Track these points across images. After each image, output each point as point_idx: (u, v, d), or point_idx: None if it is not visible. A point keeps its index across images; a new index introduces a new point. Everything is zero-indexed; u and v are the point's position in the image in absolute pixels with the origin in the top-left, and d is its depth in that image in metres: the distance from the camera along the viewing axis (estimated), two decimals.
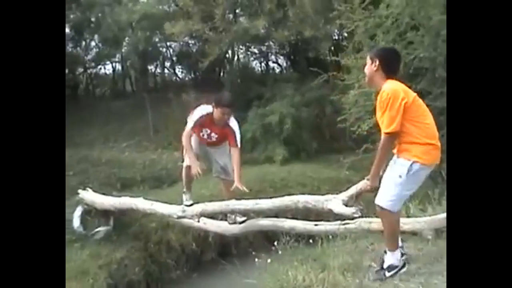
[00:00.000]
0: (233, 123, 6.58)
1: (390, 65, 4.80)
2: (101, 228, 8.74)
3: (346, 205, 5.70)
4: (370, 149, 9.96)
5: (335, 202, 5.86)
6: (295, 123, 12.82)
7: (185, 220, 7.90)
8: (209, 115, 6.45)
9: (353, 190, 5.60)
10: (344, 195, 5.71)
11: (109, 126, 15.83)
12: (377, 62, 4.71)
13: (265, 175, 10.85)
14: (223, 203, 7.15)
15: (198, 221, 7.40)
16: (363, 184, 5.29)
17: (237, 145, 6.69)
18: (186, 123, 6.56)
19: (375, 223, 6.34)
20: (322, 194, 9.81)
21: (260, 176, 10.80)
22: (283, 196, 7.00)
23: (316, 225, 6.79)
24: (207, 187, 10.45)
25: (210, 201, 9.14)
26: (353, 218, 5.88)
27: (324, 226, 6.66)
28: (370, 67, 4.82)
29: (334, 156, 12.24)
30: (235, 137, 6.60)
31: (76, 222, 8.71)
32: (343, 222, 6.62)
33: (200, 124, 6.54)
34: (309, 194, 9.96)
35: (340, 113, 11.27)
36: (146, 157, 13.16)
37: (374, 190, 4.81)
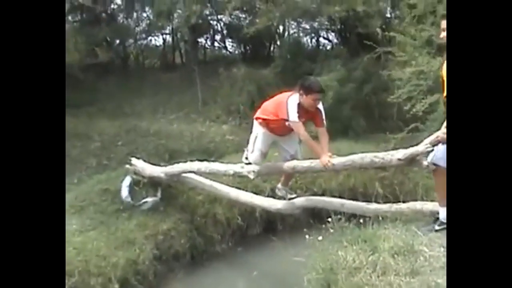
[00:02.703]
0: (319, 105, 6.50)
1: None
2: (149, 199, 8.81)
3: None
4: (420, 129, 9.79)
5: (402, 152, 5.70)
6: (339, 99, 12.64)
7: (232, 194, 7.95)
8: (300, 106, 6.40)
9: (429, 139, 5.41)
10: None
11: (158, 98, 15.88)
12: None
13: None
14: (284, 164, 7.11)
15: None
16: (440, 132, 5.23)
17: (323, 125, 6.64)
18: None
19: (426, 205, 6.25)
20: (371, 174, 9.89)
21: (308, 152, 10.68)
22: None
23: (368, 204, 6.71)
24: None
25: (256, 177, 9.27)
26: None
27: (375, 206, 6.57)
28: None
29: (383, 136, 12.03)
30: (321, 117, 6.56)
31: (124, 192, 8.79)
32: (394, 206, 6.55)
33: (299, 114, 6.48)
34: (357, 173, 10.00)
35: (389, 91, 11.09)
36: (194, 129, 13.19)
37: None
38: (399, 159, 5.65)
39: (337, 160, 6.36)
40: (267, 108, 6.94)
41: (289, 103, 6.41)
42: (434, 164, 5.18)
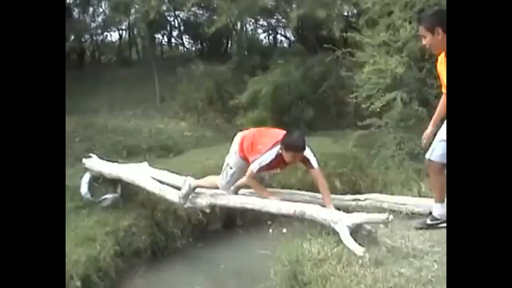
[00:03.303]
0: (306, 152, 6.36)
1: None
2: (109, 195, 8.76)
3: None
4: (379, 126, 9.98)
5: None
6: (293, 95, 12.81)
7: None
8: (279, 156, 6.24)
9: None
10: None
11: (115, 94, 15.74)
12: (440, 31, 4.66)
13: None
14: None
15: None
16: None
17: (314, 167, 6.45)
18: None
19: (386, 202, 6.39)
20: (329, 170, 10.02)
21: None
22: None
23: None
24: (213, 158, 10.44)
25: (215, 172, 9.27)
26: None
27: (337, 201, 6.66)
28: (434, 38, 4.77)
29: (340, 132, 12.21)
30: (310, 162, 6.41)
31: (83, 189, 8.72)
32: (354, 198, 6.66)
33: (269, 167, 6.43)
34: None
35: (346, 89, 11.28)
36: (152, 125, 13.11)
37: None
38: None
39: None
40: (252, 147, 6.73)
41: (266, 153, 6.29)
42: (431, 161, 5.24)
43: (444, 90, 5.08)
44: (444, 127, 5.10)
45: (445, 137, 4.90)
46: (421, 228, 5.53)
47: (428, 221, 5.51)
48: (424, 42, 4.97)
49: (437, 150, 5.10)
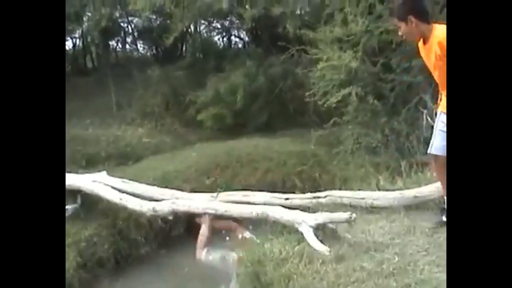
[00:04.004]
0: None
1: (424, 9, 4.80)
2: (69, 207, 8.61)
3: None
4: (338, 123, 10.06)
5: None
6: (250, 95, 12.83)
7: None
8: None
9: None
10: None
11: (71, 103, 15.43)
12: (413, 18, 4.68)
13: (231, 150, 10.82)
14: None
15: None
16: None
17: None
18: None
19: (346, 197, 6.44)
20: (289, 169, 10.08)
21: (226, 151, 10.78)
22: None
23: (287, 199, 6.81)
24: (173, 163, 10.43)
25: (175, 177, 9.23)
26: None
27: (296, 200, 6.70)
28: (408, 27, 4.78)
29: (299, 131, 12.28)
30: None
31: None
32: (314, 195, 6.70)
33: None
34: (275, 168, 10.18)
35: (304, 87, 11.34)
36: (110, 133, 12.95)
37: None
38: None
39: None
40: None
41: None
42: (434, 155, 5.11)
43: (434, 74, 4.98)
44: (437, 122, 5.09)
45: (443, 128, 4.86)
46: (437, 227, 5.29)
47: (444, 218, 5.26)
48: (400, 33, 4.99)
49: (439, 142, 4.98)
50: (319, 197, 6.61)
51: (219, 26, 18.12)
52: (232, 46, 19.04)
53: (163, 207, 7.20)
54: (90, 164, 10.88)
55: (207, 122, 12.79)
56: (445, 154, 4.66)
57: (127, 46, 20.64)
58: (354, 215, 5.29)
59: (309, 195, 6.83)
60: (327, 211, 5.92)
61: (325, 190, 7.01)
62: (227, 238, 6.54)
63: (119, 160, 11.50)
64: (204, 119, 12.76)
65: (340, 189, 7.39)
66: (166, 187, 8.51)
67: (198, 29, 17.89)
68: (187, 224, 9.15)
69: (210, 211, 6.75)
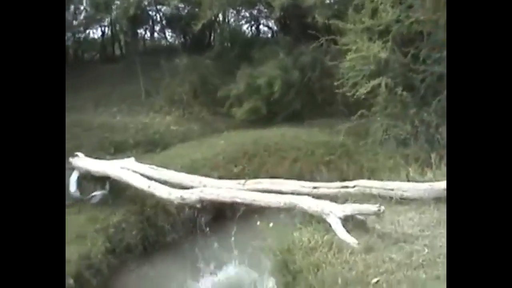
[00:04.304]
0: None
1: None
2: (97, 193, 8.75)
3: None
4: (366, 114, 9.99)
5: None
6: (284, 86, 12.76)
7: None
8: None
9: None
10: None
11: (99, 91, 15.62)
12: None
13: (259, 139, 10.84)
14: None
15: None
16: None
17: None
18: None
19: (375, 188, 6.39)
20: (316, 158, 10.06)
21: (254, 139, 10.80)
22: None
23: (315, 187, 6.78)
24: (201, 151, 10.46)
25: (203, 164, 9.24)
26: None
27: (324, 189, 6.67)
28: None
29: (327, 121, 12.24)
30: None
31: (72, 187, 8.70)
32: (342, 185, 6.67)
33: None
34: (303, 157, 10.17)
35: (333, 77, 11.28)
36: (138, 121, 13.03)
37: None
38: None
39: None
40: None
41: None
42: None
43: None
44: None
45: None
46: None
47: None
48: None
49: None
50: (347, 187, 6.58)
51: (247, 15, 18.06)
52: (261, 35, 18.98)
53: (191, 195, 7.22)
54: (118, 151, 10.95)
55: (242, 115, 12.71)
56: None
57: (155, 35, 20.70)
58: (382, 207, 5.26)
59: (337, 184, 6.81)
60: (355, 201, 5.91)
61: (353, 180, 6.97)
62: (258, 222, 6.50)
63: (147, 148, 11.57)
64: (240, 113, 12.67)
65: (368, 179, 7.33)
66: (194, 174, 8.53)
67: (226, 18, 17.85)
68: (214, 212, 9.21)
69: (238, 200, 6.74)
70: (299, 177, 8.98)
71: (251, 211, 7.53)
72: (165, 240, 8.86)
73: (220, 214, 9.31)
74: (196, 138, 12.09)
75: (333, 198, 6.09)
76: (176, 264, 8.39)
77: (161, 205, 8.77)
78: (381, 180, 6.88)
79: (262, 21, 18.62)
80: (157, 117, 13.47)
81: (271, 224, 5.90)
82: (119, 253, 8.13)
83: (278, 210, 6.26)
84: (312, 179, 9.19)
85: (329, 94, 12.44)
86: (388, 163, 9.43)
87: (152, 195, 8.26)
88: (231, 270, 7.80)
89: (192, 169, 8.96)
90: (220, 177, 8.63)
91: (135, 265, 8.20)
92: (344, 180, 7.70)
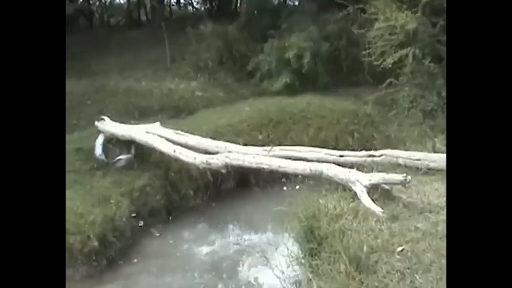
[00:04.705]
0: None
1: None
2: (122, 157, 8.80)
3: None
4: (394, 84, 9.89)
5: None
6: (313, 57, 12.66)
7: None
8: None
9: None
10: None
11: (125, 56, 15.63)
12: None
13: (284, 106, 10.80)
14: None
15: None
16: None
17: None
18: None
19: (401, 157, 6.35)
20: (341, 127, 10.03)
21: (280, 107, 10.77)
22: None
23: (341, 156, 6.76)
24: (225, 117, 10.46)
25: (228, 131, 9.25)
26: None
27: (350, 158, 6.64)
28: None
29: (352, 90, 12.17)
30: None
31: (98, 150, 8.76)
32: (369, 154, 6.63)
33: None
34: (328, 126, 10.13)
35: (359, 47, 11.17)
36: (163, 86, 13.04)
37: None
38: None
39: None
40: None
41: None
42: None
43: None
44: None
45: None
46: None
47: None
48: None
49: None
50: (373, 156, 6.55)
51: None
52: (287, 2, 18.82)
53: (217, 161, 7.23)
54: (143, 116, 10.98)
55: (277, 89, 12.59)
56: None
57: (181, 0, 20.64)
58: (409, 177, 5.24)
59: (363, 153, 6.77)
60: (381, 170, 5.87)
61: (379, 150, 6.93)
62: (284, 188, 6.50)
63: (172, 113, 11.59)
64: (275, 88, 12.57)
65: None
66: (219, 140, 8.53)
67: None
68: (238, 178, 9.25)
69: (264, 166, 6.74)
70: (324, 145, 8.99)
71: (276, 178, 7.55)
72: (188, 205, 8.94)
73: (244, 181, 9.36)
74: (221, 104, 12.07)
75: (359, 167, 6.05)
76: (199, 230, 8.43)
77: (185, 170, 8.82)
78: (407, 150, 6.84)
79: None
80: (182, 83, 13.45)
81: (297, 187, 5.91)
82: (143, 217, 8.23)
83: (304, 177, 6.24)
84: (336, 147, 9.18)
85: (355, 64, 12.34)
86: (413, 134, 9.36)
87: (176, 160, 8.31)
88: (254, 236, 7.85)
89: (216, 135, 8.97)
90: (244, 144, 8.59)
91: (159, 229, 8.28)
92: (368, 149, 7.68)
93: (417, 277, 4.07)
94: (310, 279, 4.43)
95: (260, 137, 9.75)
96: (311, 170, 6.02)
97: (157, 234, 8.18)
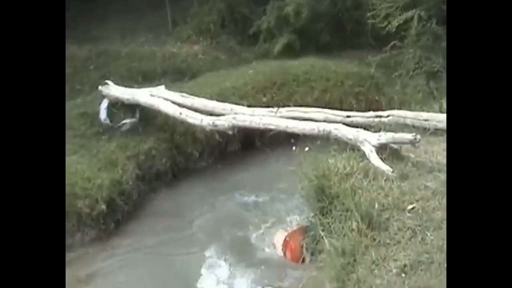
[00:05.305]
0: None
1: None
2: (127, 120, 8.81)
3: None
4: (398, 46, 9.83)
5: None
6: (312, 15, 12.55)
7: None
8: None
9: None
10: None
11: (126, 20, 15.47)
12: None
13: (288, 69, 10.74)
14: None
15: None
16: None
17: None
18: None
19: (409, 118, 6.35)
20: (346, 89, 10.00)
21: (283, 69, 10.70)
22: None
23: (348, 116, 6.76)
24: (229, 80, 10.42)
25: (232, 93, 9.21)
26: None
27: (357, 118, 6.64)
28: None
29: (356, 53, 12.08)
30: None
31: (102, 114, 8.77)
32: (376, 114, 6.63)
33: None
34: (332, 88, 10.09)
35: (362, 9, 11.07)
36: (165, 50, 12.96)
37: None
38: None
39: None
40: None
41: None
42: None
43: None
44: None
45: None
46: None
47: None
48: None
49: None
50: (381, 116, 6.55)
51: None
52: None
53: (224, 122, 7.23)
54: (146, 80, 10.94)
55: (278, 51, 12.49)
56: None
57: None
58: (418, 136, 5.25)
59: (371, 113, 6.77)
60: (389, 131, 5.87)
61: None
62: (294, 148, 6.49)
63: (175, 76, 11.54)
64: (276, 49, 12.47)
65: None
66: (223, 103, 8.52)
67: None
68: (243, 140, 9.24)
69: (271, 127, 6.74)
70: (328, 107, 8.98)
71: (282, 139, 7.54)
72: (194, 167, 8.98)
73: (249, 143, 9.36)
74: (224, 67, 12.00)
75: (366, 128, 6.06)
76: (205, 192, 8.47)
77: (190, 132, 8.83)
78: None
79: None
80: (185, 47, 13.35)
81: (306, 149, 5.91)
82: (149, 180, 8.30)
83: (312, 137, 6.25)
84: (341, 109, 9.18)
85: (358, 26, 12.25)
86: (418, 96, 9.35)
87: (181, 123, 8.32)
88: (263, 196, 7.88)
89: (221, 98, 8.94)
90: (249, 106, 8.59)
91: (165, 192, 8.34)
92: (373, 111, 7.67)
93: (428, 234, 4.11)
94: (322, 237, 4.47)
95: (264, 99, 9.69)
96: (319, 130, 6.03)
97: (162, 196, 8.24)
